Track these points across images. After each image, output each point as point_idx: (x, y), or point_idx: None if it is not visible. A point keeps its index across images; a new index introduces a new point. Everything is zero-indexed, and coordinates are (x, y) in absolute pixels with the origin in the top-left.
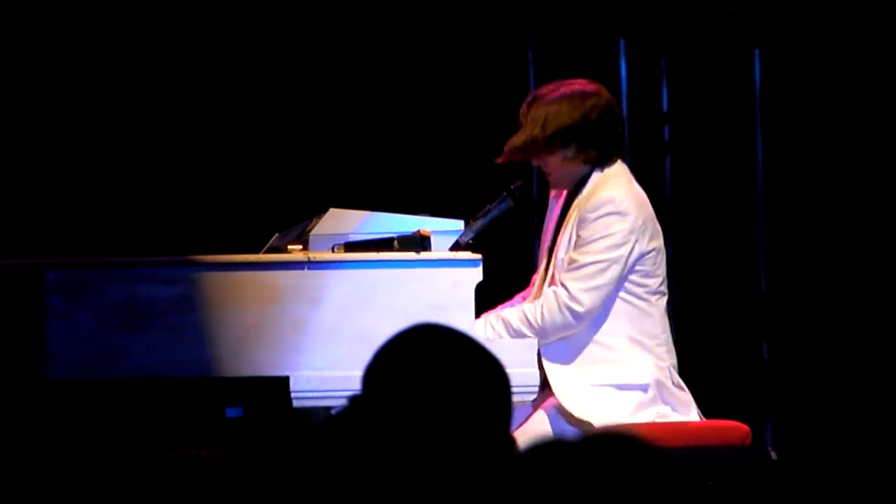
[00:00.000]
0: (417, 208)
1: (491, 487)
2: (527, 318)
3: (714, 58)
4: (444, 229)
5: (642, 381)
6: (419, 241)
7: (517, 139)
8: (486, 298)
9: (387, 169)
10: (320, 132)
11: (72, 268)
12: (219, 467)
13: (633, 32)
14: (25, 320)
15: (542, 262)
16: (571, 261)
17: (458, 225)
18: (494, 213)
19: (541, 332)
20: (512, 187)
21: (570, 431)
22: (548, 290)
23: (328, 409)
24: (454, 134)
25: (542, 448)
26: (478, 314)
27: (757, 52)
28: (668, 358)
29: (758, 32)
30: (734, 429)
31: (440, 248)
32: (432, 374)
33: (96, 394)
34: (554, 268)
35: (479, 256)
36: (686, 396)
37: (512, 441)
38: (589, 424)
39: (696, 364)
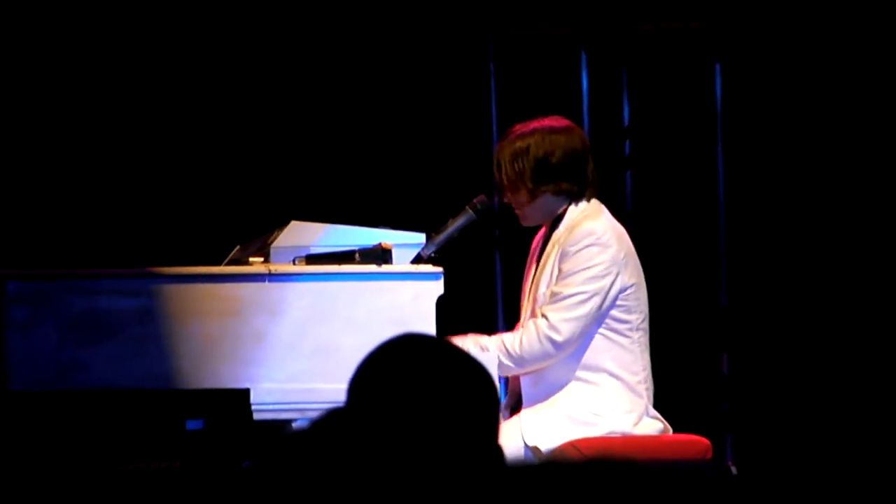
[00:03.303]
0: (379, 221)
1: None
2: (505, 346)
3: (675, 72)
4: (405, 242)
5: (617, 415)
6: (380, 254)
7: (501, 185)
8: (448, 312)
9: (348, 181)
10: (282, 144)
11: (33, 279)
12: (179, 479)
13: (594, 46)
14: None
15: (523, 299)
16: (553, 293)
17: (420, 238)
18: (456, 226)
19: (518, 361)
20: (474, 201)
21: (523, 450)
22: (528, 321)
23: (289, 421)
24: (416, 146)
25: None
26: (438, 328)
27: (718, 67)
28: (646, 394)
29: (719, 47)
30: (695, 443)
31: (402, 261)
32: (421, 384)
33: (56, 406)
34: (534, 302)
35: (440, 270)
36: (658, 426)
37: (500, 450)
38: (537, 450)
39: (656, 378)
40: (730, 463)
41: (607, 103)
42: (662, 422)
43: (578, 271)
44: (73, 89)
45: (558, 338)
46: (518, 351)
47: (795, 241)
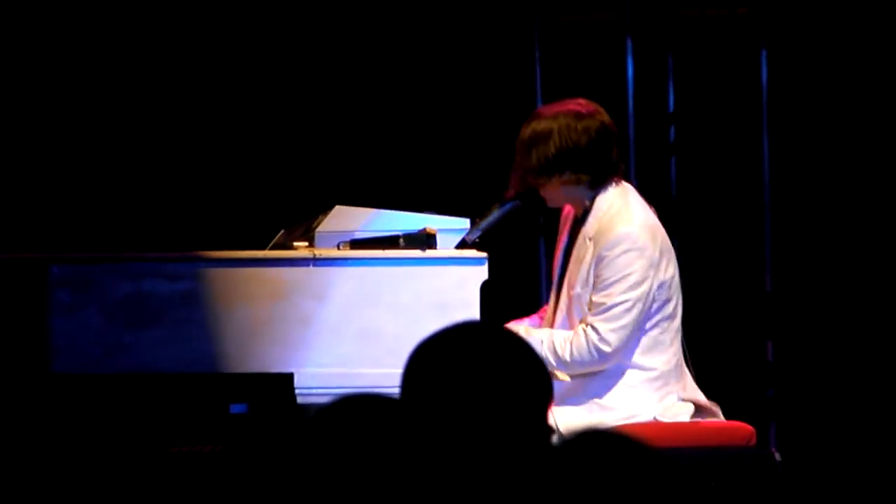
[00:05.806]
0: (424, 206)
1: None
2: (554, 346)
3: (721, 58)
4: (450, 227)
5: (643, 408)
6: (425, 239)
7: (519, 168)
8: (492, 297)
9: (393, 166)
10: (327, 129)
11: (77, 263)
12: (223, 463)
13: (640, 32)
14: (31, 314)
15: (553, 291)
16: (597, 303)
17: (464, 223)
18: (501, 211)
19: (564, 364)
20: None
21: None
22: (578, 329)
23: None
24: (461, 132)
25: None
26: (482, 313)
27: (764, 53)
28: (675, 382)
29: (765, 33)
30: (739, 429)
31: (446, 246)
32: (475, 370)
33: (101, 389)
34: (570, 300)
35: (484, 255)
36: (690, 408)
37: (550, 430)
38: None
39: (701, 365)
40: (774, 450)
41: (652, 89)
42: (699, 403)
43: (619, 280)
44: (118, 74)
45: (607, 349)
46: (567, 357)
47: (840, 227)
